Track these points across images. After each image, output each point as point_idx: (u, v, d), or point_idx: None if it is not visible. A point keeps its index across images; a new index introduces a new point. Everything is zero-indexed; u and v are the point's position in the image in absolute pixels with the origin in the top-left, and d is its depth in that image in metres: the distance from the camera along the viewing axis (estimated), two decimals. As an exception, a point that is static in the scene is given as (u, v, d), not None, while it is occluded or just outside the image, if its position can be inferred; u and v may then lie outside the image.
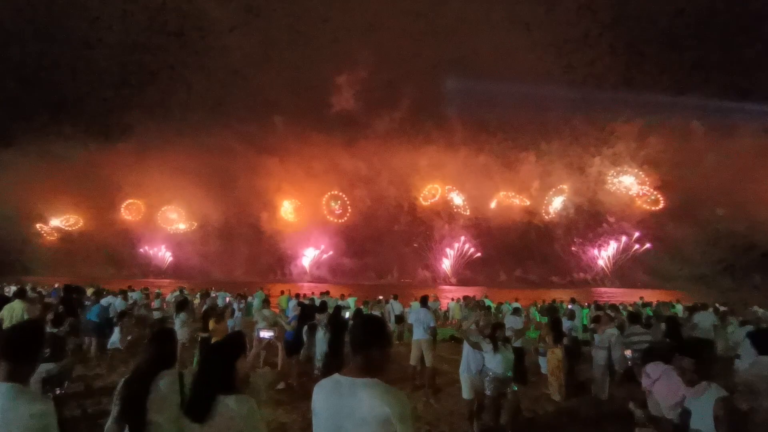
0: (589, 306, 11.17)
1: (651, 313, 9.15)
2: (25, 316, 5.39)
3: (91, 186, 42.45)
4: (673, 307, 12.77)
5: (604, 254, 45.80)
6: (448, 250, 48.16)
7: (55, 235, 42.75)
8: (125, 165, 41.82)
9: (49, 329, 4.62)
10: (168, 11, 39.62)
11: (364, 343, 1.72)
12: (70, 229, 43.26)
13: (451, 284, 43.73)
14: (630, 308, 10.14)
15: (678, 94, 40.27)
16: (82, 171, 41.48)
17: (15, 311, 5.47)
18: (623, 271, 44.63)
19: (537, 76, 43.30)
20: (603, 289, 39.30)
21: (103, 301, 8.53)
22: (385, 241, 47.20)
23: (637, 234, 44.07)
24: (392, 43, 44.00)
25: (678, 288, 31.61)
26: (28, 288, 9.81)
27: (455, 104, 45.31)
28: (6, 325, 5.47)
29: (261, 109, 45.48)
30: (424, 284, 41.64)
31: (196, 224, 45.40)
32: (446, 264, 48.35)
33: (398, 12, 43.18)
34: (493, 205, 46.77)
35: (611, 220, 45.73)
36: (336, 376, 1.75)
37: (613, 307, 7.25)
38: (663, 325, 5.71)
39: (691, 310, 9.77)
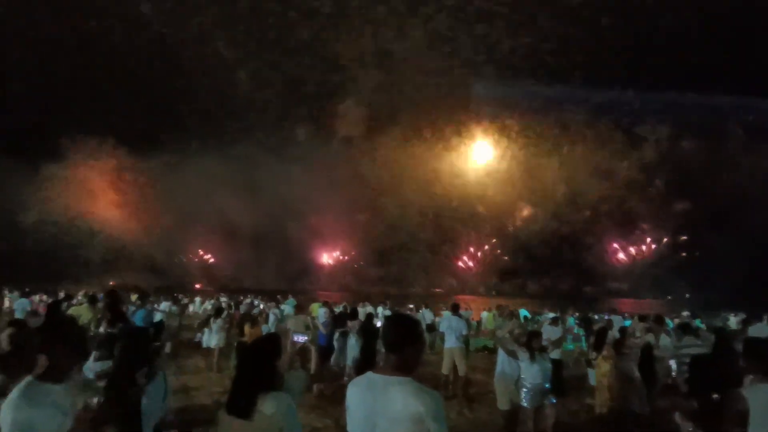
0: (631, 317, 10.72)
1: (701, 325, 8.66)
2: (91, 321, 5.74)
3: (131, 196, 44.56)
4: (727, 319, 12.05)
5: (639, 263, 43.79)
6: (470, 259, 47.43)
7: (101, 244, 45.00)
8: (160, 176, 43.68)
9: (104, 330, 4.88)
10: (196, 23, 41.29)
11: (398, 342, 1.72)
12: (113, 238, 45.45)
13: (479, 294, 42.93)
14: (677, 320, 9.64)
15: (710, 95, 38.20)
16: (121, 181, 43.76)
17: (82, 316, 5.84)
18: (660, 281, 42.35)
19: (558, 79, 42.21)
20: (639, 300, 37.47)
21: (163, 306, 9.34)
22: (410, 250, 46.94)
23: (670, 241, 41.93)
24: (409, 46, 43.91)
25: (720, 299, 29.65)
26: (80, 295, 10.46)
27: (476, 109, 44.72)
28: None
29: (284, 119, 46.51)
30: (453, 293, 41.10)
31: (228, 233, 46.72)
32: (472, 273, 47.56)
33: (419, 12, 43.09)
34: (518, 212, 45.72)
35: (645, 227, 43.75)
36: (370, 374, 1.76)
37: (658, 318, 6.92)
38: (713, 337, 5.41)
39: (745, 322, 9.20)
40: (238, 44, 43.51)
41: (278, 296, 14.74)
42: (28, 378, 1.76)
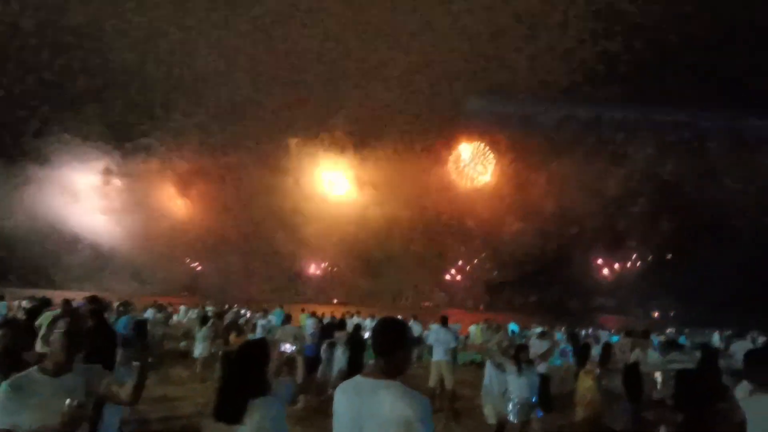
0: (618, 333, 10.80)
1: (685, 342, 8.77)
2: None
3: (116, 201, 43.94)
4: (711, 336, 12.20)
5: (625, 279, 44.30)
6: (458, 273, 47.55)
7: (84, 250, 44.20)
8: (147, 181, 43.21)
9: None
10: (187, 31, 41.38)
11: (387, 346, 1.71)
12: (96, 244, 44.68)
13: (467, 308, 42.90)
14: (662, 337, 9.75)
15: (698, 111, 39.30)
16: (108, 185, 43.20)
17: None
18: (646, 297, 42.85)
19: (548, 95, 43.10)
20: (625, 316, 37.78)
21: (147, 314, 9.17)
22: (399, 263, 46.87)
23: (655, 257, 42.57)
24: (402, 61, 44.48)
25: (710, 314, 30.07)
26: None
27: (466, 123, 45.36)
28: (42, 332, 5.67)
29: (275, 129, 46.55)
30: (442, 307, 41.03)
31: (214, 241, 46.22)
32: (461, 287, 47.61)
33: (412, 28, 43.64)
34: (507, 227, 46.10)
35: (631, 243, 44.37)
36: (357, 377, 1.75)
37: (645, 332, 7.00)
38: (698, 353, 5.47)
39: (728, 339, 9.34)
40: (233, 51, 43.59)
41: (265, 306, 14.55)
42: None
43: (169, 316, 13.64)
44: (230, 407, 1.88)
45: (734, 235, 36.44)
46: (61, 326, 1.89)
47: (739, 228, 36.48)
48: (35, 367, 1.87)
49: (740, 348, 7.71)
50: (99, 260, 43.53)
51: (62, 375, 1.84)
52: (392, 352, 1.70)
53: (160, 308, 10.68)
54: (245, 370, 1.98)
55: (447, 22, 40.64)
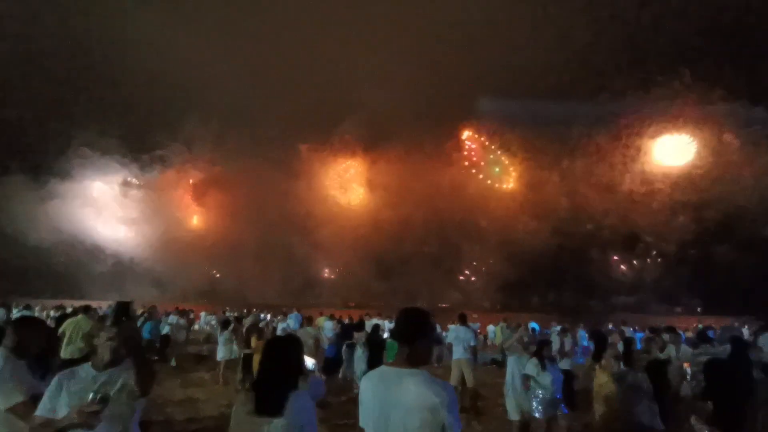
0: (641, 330, 10.56)
1: (713, 335, 8.50)
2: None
3: (135, 211, 45.10)
4: (739, 330, 11.85)
5: (646, 276, 43.20)
6: (474, 273, 47.09)
7: (106, 260, 45.57)
8: (164, 191, 44.19)
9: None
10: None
11: (410, 335, 1.74)
12: (119, 253, 46.01)
13: (483, 309, 42.46)
14: (688, 332, 9.51)
15: (715, 102, 38.30)
16: (127, 197, 44.37)
17: (81, 325, 5.85)
18: (670, 295, 41.73)
19: (561, 92, 42.54)
20: (646, 314, 36.86)
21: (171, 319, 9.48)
22: (413, 264, 46.75)
23: (677, 253, 41.40)
24: (410, 63, 44.51)
25: (735, 313, 29.16)
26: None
27: (476, 123, 45.11)
28: (69, 338, 5.86)
29: (286, 135, 47.12)
30: (459, 308, 40.72)
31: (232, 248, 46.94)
32: (477, 288, 47.12)
33: (419, 30, 43.70)
34: (520, 225, 45.57)
35: (649, 240, 43.28)
36: (383, 367, 1.78)
37: (669, 328, 6.82)
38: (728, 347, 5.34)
39: (756, 333, 9.06)
40: (245, 58, 44.28)
41: (285, 310, 14.68)
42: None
43: (192, 322, 13.90)
44: (273, 399, 1.91)
45: (756, 231, 35.41)
46: (109, 328, 2.02)
47: (761, 224, 35.45)
48: (88, 363, 2.01)
49: (766, 341, 7.47)
50: (121, 269, 44.67)
51: (106, 370, 1.94)
52: (414, 340, 1.73)
53: (182, 313, 10.92)
54: (287, 362, 2.02)
55: (457, 18, 40.53)
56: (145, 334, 8.38)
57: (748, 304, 31.10)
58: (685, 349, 5.72)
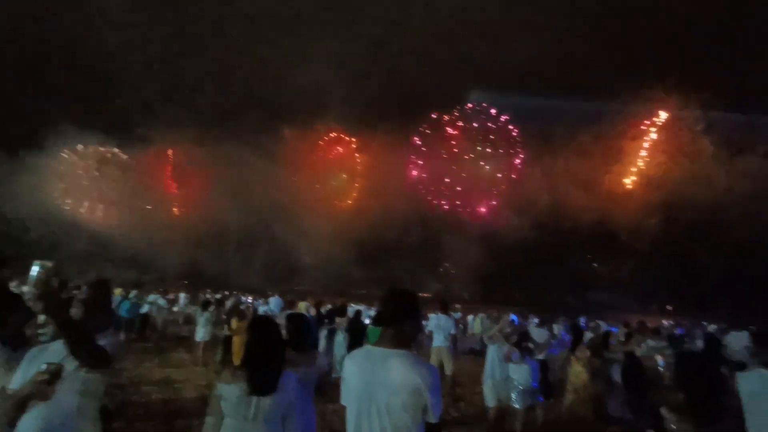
0: (615, 325, 10.91)
1: (683, 332, 8.89)
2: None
3: (114, 190, 44.01)
4: (706, 328, 12.35)
5: (622, 273, 44.50)
6: (454, 265, 47.67)
7: (83, 238, 44.46)
8: (145, 170, 43.14)
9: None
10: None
11: (396, 315, 1.73)
12: (96, 231, 44.94)
13: (464, 300, 43.17)
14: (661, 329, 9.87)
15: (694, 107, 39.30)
16: (106, 174, 43.19)
17: None
18: (644, 293, 43.16)
19: (541, 88, 42.95)
20: (621, 311, 38.14)
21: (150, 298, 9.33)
22: (395, 254, 47.10)
23: (650, 252, 42.78)
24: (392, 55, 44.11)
25: (704, 309, 30.41)
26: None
27: (460, 116, 45.29)
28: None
29: (270, 118, 46.43)
30: (440, 298, 41.20)
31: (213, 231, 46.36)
32: (458, 279, 47.77)
33: (407, 20, 43.25)
34: (501, 220, 46.23)
35: (624, 238, 44.51)
36: (368, 347, 1.77)
37: (641, 323, 7.11)
38: (699, 344, 5.59)
39: (723, 331, 9.46)
40: (228, 40, 43.22)
41: (269, 293, 14.62)
42: None
43: (173, 302, 13.73)
44: (266, 378, 1.89)
45: (726, 233, 36.85)
46: (78, 301, 1.93)
47: (731, 226, 36.90)
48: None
49: (735, 339, 7.81)
50: (98, 248, 43.67)
51: None
52: (400, 321, 1.72)
53: (164, 294, 10.75)
54: (277, 342, 2.01)
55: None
56: (123, 312, 8.22)
57: (717, 305, 32.48)
58: (656, 343, 5.95)
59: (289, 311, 8.28)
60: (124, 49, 40.89)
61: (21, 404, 1.70)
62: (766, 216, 33.75)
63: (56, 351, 1.83)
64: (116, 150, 43.66)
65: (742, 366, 6.40)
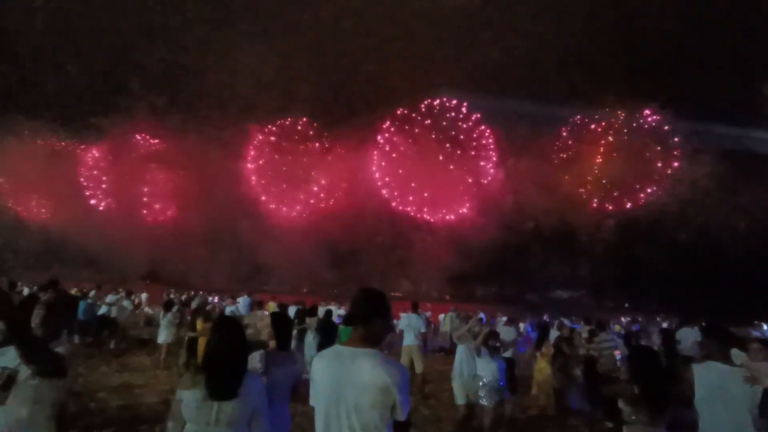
0: (577, 323, 11.40)
1: (638, 328, 9.37)
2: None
3: (67, 184, 41.55)
4: (661, 324, 13.07)
5: (580, 272, 46.51)
6: (423, 264, 48.32)
7: (33, 235, 41.66)
8: (98, 165, 40.95)
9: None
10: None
11: (365, 314, 1.75)
12: (45, 227, 42.23)
13: (432, 299, 43.76)
14: (617, 326, 10.36)
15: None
16: (57, 168, 40.75)
17: None
18: (599, 291, 45.28)
19: (504, 90, 44.24)
20: (582, 309, 39.92)
21: (108, 299, 8.88)
22: (364, 253, 47.14)
23: (607, 252, 45.08)
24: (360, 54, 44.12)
25: (658, 306, 32.34)
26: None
27: (428, 116, 45.95)
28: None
29: (234, 114, 45.18)
30: (410, 298, 41.59)
31: (173, 228, 44.67)
32: (426, 278, 48.33)
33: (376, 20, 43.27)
34: (465, 220, 47.33)
35: (582, 239, 46.60)
36: (337, 346, 1.77)
37: (599, 321, 7.50)
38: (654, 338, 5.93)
39: (676, 326, 10.02)
40: (193, 32, 41.93)
41: (233, 295, 14.26)
42: None
43: (138, 304, 13.13)
44: (227, 382, 1.83)
45: (677, 235, 39.42)
46: (41, 304, 1.84)
47: (684, 225, 39.38)
48: None
49: (686, 334, 8.30)
50: (49, 247, 41.12)
51: None
52: (369, 319, 1.74)
53: (128, 294, 10.23)
54: (239, 345, 1.94)
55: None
56: (79, 314, 7.77)
57: (667, 301, 34.57)
58: (610, 339, 6.31)
59: (259, 311, 8.12)
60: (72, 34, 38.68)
61: None
62: (709, 218, 36.39)
63: (11, 356, 1.73)
64: (68, 140, 41.35)
65: (689, 360, 6.87)
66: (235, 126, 42.15)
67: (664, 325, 13.10)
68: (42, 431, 1.82)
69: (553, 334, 7.35)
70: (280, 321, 2.55)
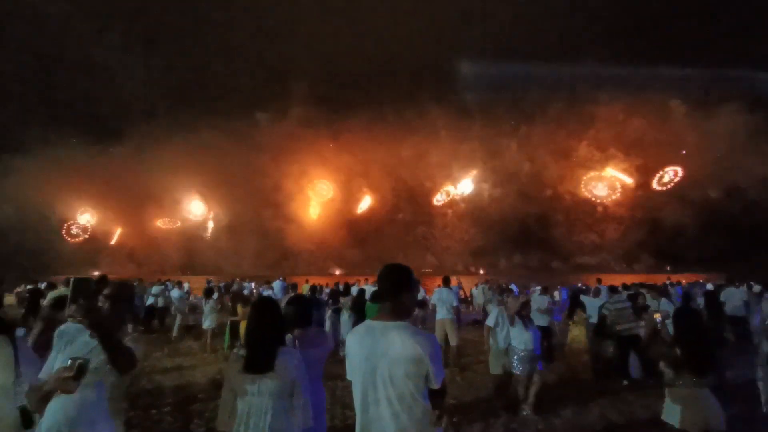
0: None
1: (680, 291, 9.10)
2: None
3: (103, 187, 43.42)
4: (704, 286, 12.64)
5: (606, 238, 45.05)
6: (445, 238, 48.08)
7: (79, 235, 44.11)
8: (126, 168, 42.34)
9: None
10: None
11: (394, 289, 1.79)
12: (90, 228, 44.56)
13: (459, 272, 43.75)
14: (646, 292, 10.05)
15: (657, 69, 39.39)
16: (92, 173, 42.56)
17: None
18: (629, 256, 43.75)
19: (519, 58, 42.48)
20: (613, 275, 38.90)
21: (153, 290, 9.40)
22: (387, 231, 47.25)
23: (634, 216, 43.53)
24: (374, 33, 43.21)
25: (689, 270, 31.18)
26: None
27: (437, 90, 44.70)
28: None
29: (247, 105, 45.46)
30: (438, 272, 41.68)
31: (208, 221, 46.23)
32: (450, 252, 48.14)
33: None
34: (485, 192, 46.56)
35: (606, 204, 44.93)
36: (368, 321, 1.83)
37: (634, 285, 7.33)
38: (699, 301, 5.78)
39: (719, 288, 9.68)
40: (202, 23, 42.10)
41: (268, 279, 14.82)
42: None
43: (189, 293, 13.82)
44: (263, 357, 1.97)
45: (713, 195, 37.65)
46: (104, 298, 2.01)
47: (716, 184, 37.68)
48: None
49: (731, 294, 8.01)
50: (93, 245, 43.43)
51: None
52: (398, 294, 1.78)
53: (179, 285, 10.74)
54: (274, 322, 2.08)
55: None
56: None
57: (700, 262, 33.30)
58: (664, 303, 6.16)
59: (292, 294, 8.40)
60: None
61: (46, 398, 1.75)
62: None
63: (83, 344, 1.88)
64: (101, 147, 42.93)
65: (736, 320, 6.66)
66: (246, 119, 42.25)
67: (709, 286, 12.64)
68: (113, 416, 2.00)
69: (591, 302, 7.22)
70: (295, 302, 2.67)
